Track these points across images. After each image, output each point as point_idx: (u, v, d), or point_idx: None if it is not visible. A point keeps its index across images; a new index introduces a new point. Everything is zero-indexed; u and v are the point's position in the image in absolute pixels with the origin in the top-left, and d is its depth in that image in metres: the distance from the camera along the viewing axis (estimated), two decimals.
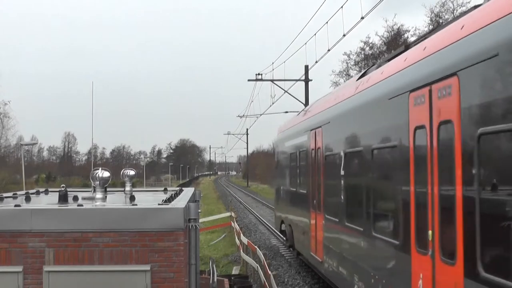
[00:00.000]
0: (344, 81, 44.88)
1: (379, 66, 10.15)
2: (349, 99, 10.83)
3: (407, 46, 9.09)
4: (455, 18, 7.51)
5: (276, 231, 25.67)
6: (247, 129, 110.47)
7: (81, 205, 7.86)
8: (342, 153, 11.03)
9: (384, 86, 8.72)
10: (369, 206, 9.29)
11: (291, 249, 19.98)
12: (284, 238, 21.08)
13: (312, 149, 14.08)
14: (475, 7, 6.95)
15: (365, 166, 9.57)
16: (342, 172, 11.02)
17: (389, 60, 9.63)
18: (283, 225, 20.32)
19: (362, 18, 19.33)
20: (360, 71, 50.63)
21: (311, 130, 14.27)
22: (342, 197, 11.01)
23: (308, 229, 14.74)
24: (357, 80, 11.10)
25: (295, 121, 18.29)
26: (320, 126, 13.18)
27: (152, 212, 7.61)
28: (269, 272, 13.26)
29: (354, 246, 10.19)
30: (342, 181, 11.03)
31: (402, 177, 7.73)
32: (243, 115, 60.66)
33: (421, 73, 7.17)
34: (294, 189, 17.24)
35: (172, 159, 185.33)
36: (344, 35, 21.82)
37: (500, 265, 5.36)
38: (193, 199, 10.01)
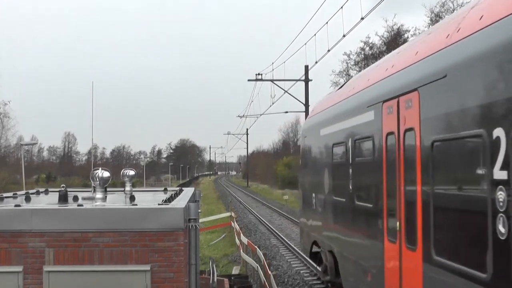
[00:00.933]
0: (344, 81, 43.85)
1: None
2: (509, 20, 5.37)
3: None
4: None
5: (304, 254, 17.29)
6: (247, 129, 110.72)
7: (81, 205, 7.87)
8: (498, 135, 5.27)
9: None
10: None
11: (329, 284, 13.81)
12: (319, 269, 14.14)
13: (389, 134, 8.42)
14: None
15: None
16: (498, 174, 5.28)
17: None
18: (315, 247, 14.35)
19: (362, 18, 19.39)
20: (360, 71, 50.58)
21: (385, 101, 8.52)
22: (502, 229, 5.15)
23: (380, 271, 8.79)
24: None
25: (341, 95, 12.04)
26: (415, 89, 7.34)
27: (152, 212, 7.61)
28: (269, 272, 13.27)
29: None
30: (503, 196, 5.18)
31: None
32: (243, 115, 61.10)
33: None
34: (343, 200, 11.11)
35: (172, 159, 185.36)
36: (344, 36, 21.91)
37: None
38: (193, 199, 10.01)
